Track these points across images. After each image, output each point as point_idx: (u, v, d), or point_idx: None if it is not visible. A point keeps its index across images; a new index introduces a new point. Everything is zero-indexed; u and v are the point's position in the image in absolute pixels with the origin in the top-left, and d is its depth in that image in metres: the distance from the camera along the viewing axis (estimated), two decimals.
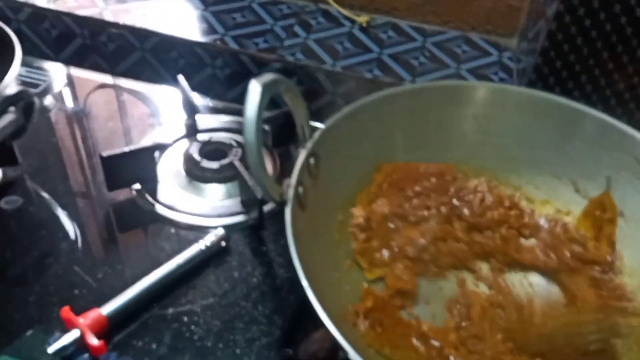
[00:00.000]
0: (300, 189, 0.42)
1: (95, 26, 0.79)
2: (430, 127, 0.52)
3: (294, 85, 0.45)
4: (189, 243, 0.54)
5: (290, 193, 0.41)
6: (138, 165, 0.59)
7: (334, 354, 0.42)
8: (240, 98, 0.77)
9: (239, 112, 0.73)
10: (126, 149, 0.58)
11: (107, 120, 0.71)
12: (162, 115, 0.72)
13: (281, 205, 0.41)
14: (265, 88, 0.40)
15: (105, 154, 0.57)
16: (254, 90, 0.39)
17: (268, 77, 0.41)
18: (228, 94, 0.79)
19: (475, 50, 0.79)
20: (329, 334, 0.34)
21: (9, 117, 0.53)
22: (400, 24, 0.83)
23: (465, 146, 0.53)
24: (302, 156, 0.44)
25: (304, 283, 0.36)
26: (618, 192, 0.50)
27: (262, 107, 0.39)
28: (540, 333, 0.44)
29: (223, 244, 0.55)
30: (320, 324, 0.35)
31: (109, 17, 0.78)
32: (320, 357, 0.45)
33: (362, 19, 0.81)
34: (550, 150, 0.52)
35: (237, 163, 0.60)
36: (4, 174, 0.61)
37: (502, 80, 0.74)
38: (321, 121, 0.51)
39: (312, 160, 0.45)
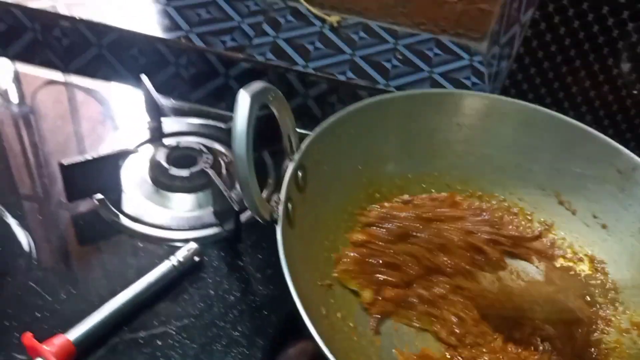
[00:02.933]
0: (290, 205, 0.40)
1: (48, 20, 0.73)
2: (416, 136, 0.51)
3: (281, 94, 0.42)
4: (159, 258, 0.51)
5: (281, 210, 0.38)
6: (101, 174, 0.55)
7: None
8: (207, 99, 0.75)
9: (207, 115, 0.70)
10: (89, 157, 0.53)
11: (57, 121, 0.65)
12: (120, 117, 0.67)
13: (270, 223, 0.39)
14: (254, 98, 0.37)
15: (65, 162, 0.52)
16: (243, 101, 0.36)
17: (256, 86, 0.38)
18: (193, 95, 0.75)
19: (446, 54, 0.78)
20: (306, 347, 0.32)
21: None
22: (372, 24, 0.81)
23: (451, 156, 0.52)
24: (290, 170, 0.41)
25: (301, 310, 0.33)
26: (601, 203, 0.50)
27: (252, 118, 0.37)
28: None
29: (197, 259, 0.51)
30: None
31: (62, 10, 0.73)
32: None
33: (333, 18, 0.79)
34: (535, 162, 0.52)
35: (209, 171, 0.56)
36: None
37: (474, 84, 0.74)
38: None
39: (299, 173, 0.42)
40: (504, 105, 0.52)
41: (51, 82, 0.71)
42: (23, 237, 0.52)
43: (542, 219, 0.52)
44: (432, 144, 0.52)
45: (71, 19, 0.72)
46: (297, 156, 0.42)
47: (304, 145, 0.43)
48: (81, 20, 0.72)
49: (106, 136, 0.64)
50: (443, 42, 0.80)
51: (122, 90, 0.71)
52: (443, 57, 0.77)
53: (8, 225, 0.53)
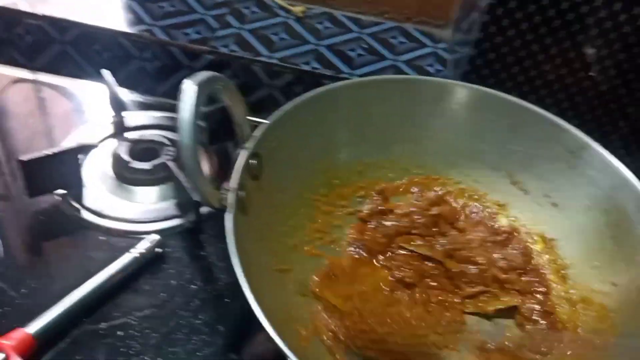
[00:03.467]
0: (242, 193, 0.40)
1: (10, 17, 0.73)
2: (372, 122, 0.52)
3: (230, 82, 0.42)
4: (121, 251, 0.51)
5: (231, 198, 0.39)
6: (61, 169, 0.55)
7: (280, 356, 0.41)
8: (172, 92, 0.73)
9: (171, 108, 0.69)
10: (47, 152, 0.53)
11: (25, 119, 0.65)
12: (87, 113, 0.67)
13: (220, 211, 0.39)
14: (201, 87, 0.37)
15: (24, 157, 0.52)
16: (189, 90, 0.37)
17: (203, 75, 0.38)
18: (158, 88, 0.75)
19: (411, 42, 0.79)
20: None
21: None
22: (336, 14, 0.81)
23: (407, 141, 0.53)
24: (242, 158, 0.42)
25: (248, 294, 0.34)
26: (552, 183, 0.51)
27: (198, 108, 0.37)
28: None
29: (158, 250, 0.52)
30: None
31: (25, 7, 0.72)
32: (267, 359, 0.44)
33: (298, 9, 0.79)
34: (488, 144, 0.53)
35: (170, 163, 0.56)
36: None
37: (437, 71, 0.75)
38: (258, 116, 0.49)
39: (253, 161, 0.43)
40: (453, 89, 0.52)
41: (16, 80, 0.71)
42: None
43: (495, 199, 0.53)
44: (388, 130, 0.52)
45: (34, 16, 0.72)
46: (249, 144, 0.43)
47: (257, 134, 0.43)
48: (44, 17, 0.72)
49: (71, 132, 0.64)
50: (407, 30, 0.81)
51: (87, 86, 0.71)
52: (408, 45, 0.78)
53: None
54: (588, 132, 0.67)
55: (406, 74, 0.73)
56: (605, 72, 0.63)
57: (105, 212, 0.55)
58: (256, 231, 0.42)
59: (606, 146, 0.68)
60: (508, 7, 0.62)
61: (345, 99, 0.50)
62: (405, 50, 0.77)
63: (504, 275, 0.46)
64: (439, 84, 0.52)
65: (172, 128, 0.65)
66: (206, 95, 0.39)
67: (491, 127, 0.52)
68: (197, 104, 0.37)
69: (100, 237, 0.54)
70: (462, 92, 0.52)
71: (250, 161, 0.42)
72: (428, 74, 0.73)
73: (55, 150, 0.54)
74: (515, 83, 0.66)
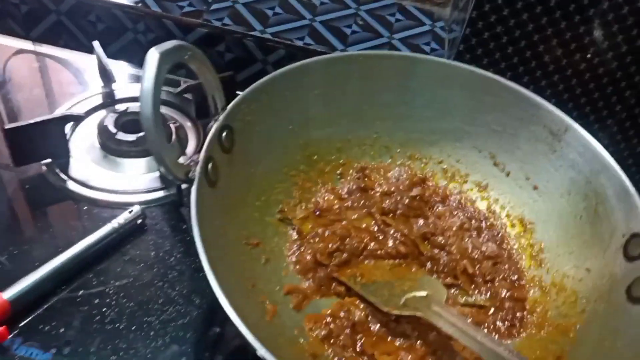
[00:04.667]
0: (210, 165, 0.40)
1: None
2: (350, 98, 0.51)
3: (200, 53, 0.42)
4: (104, 221, 0.52)
5: (198, 170, 0.39)
6: (47, 139, 0.56)
7: None
8: None
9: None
10: (31, 121, 0.54)
11: (29, 89, 0.66)
12: (80, 85, 0.68)
13: (187, 183, 0.39)
14: (165, 57, 0.37)
15: (8, 126, 0.53)
16: (151, 59, 0.37)
17: (168, 44, 0.38)
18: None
19: (408, 19, 0.77)
20: None
21: None
22: None
23: (390, 119, 0.52)
24: (212, 130, 0.42)
25: (205, 265, 0.34)
26: (533, 165, 0.50)
27: (160, 78, 0.37)
28: None
29: (139, 221, 0.52)
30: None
31: None
32: None
33: None
34: (471, 124, 0.52)
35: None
36: None
37: (433, 50, 0.73)
38: None
39: (224, 134, 0.43)
40: (437, 66, 0.51)
41: (12, 49, 0.71)
42: None
43: (476, 180, 0.53)
44: (371, 107, 0.52)
45: None
46: (221, 116, 0.42)
47: (229, 106, 0.43)
48: None
49: (62, 103, 0.65)
50: (406, 8, 0.79)
51: (81, 57, 0.71)
52: (405, 23, 0.77)
53: None
54: (583, 116, 0.66)
55: (400, 51, 0.72)
56: (603, 54, 0.62)
57: (90, 182, 0.56)
58: (225, 204, 0.42)
59: (603, 130, 0.67)
60: None
61: (322, 74, 0.49)
62: (402, 28, 0.76)
63: (473, 269, 0.46)
64: (415, 60, 0.51)
65: (164, 101, 0.66)
66: (171, 65, 0.38)
67: (474, 106, 0.51)
68: (160, 74, 0.37)
69: (84, 207, 0.54)
70: (447, 70, 0.51)
71: (221, 134, 0.42)
72: (423, 52, 0.72)
73: (40, 119, 0.54)
74: (509, 63, 0.65)
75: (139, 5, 0.72)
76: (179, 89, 0.62)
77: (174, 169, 0.39)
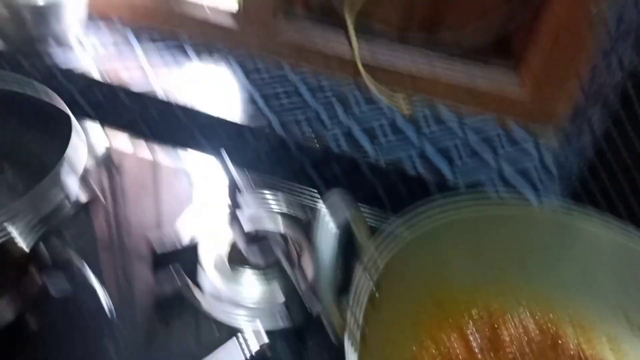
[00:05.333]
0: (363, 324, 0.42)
1: (146, 101, 0.81)
2: (489, 253, 0.52)
3: (360, 213, 0.44)
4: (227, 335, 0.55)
5: (356, 333, 0.40)
6: (183, 256, 0.60)
7: None
8: (282, 172, 0.78)
9: (281, 189, 0.74)
10: (178, 247, 0.59)
11: (141, 189, 0.73)
12: (203, 192, 0.74)
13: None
14: (341, 229, 0.39)
15: (159, 250, 0.58)
16: (330, 234, 0.39)
17: (341, 215, 0.40)
18: (270, 170, 0.79)
19: (512, 145, 0.79)
20: None
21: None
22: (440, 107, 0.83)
23: (521, 270, 0.53)
24: (365, 289, 0.43)
25: None
26: None
27: (339, 252, 0.39)
28: None
29: (267, 354, 0.55)
30: None
31: (160, 94, 0.80)
32: None
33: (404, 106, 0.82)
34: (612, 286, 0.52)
35: (285, 265, 0.60)
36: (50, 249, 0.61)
37: (541, 183, 0.74)
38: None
39: (374, 292, 0.44)
40: (585, 226, 0.51)
41: (140, 154, 0.79)
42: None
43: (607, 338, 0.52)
44: (506, 261, 0.53)
45: (167, 104, 0.80)
46: (374, 277, 0.43)
47: (380, 264, 0.45)
48: (176, 105, 0.79)
49: (185, 209, 0.70)
50: (511, 129, 0.81)
51: (206, 163, 0.78)
52: (511, 151, 0.78)
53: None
54: None
55: (511, 185, 0.73)
56: None
57: (221, 296, 0.59)
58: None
59: None
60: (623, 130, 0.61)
61: (463, 232, 0.50)
62: (508, 156, 0.77)
63: None
64: (560, 220, 0.52)
65: (287, 222, 0.69)
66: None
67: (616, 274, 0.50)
68: (338, 247, 0.39)
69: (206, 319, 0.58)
70: (595, 230, 0.51)
71: (373, 292, 0.44)
72: (534, 186, 0.73)
73: (181, 246, 0.60)
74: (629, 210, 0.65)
75: (267, 129, 0.77)
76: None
77: (339, 331, 0.40)
